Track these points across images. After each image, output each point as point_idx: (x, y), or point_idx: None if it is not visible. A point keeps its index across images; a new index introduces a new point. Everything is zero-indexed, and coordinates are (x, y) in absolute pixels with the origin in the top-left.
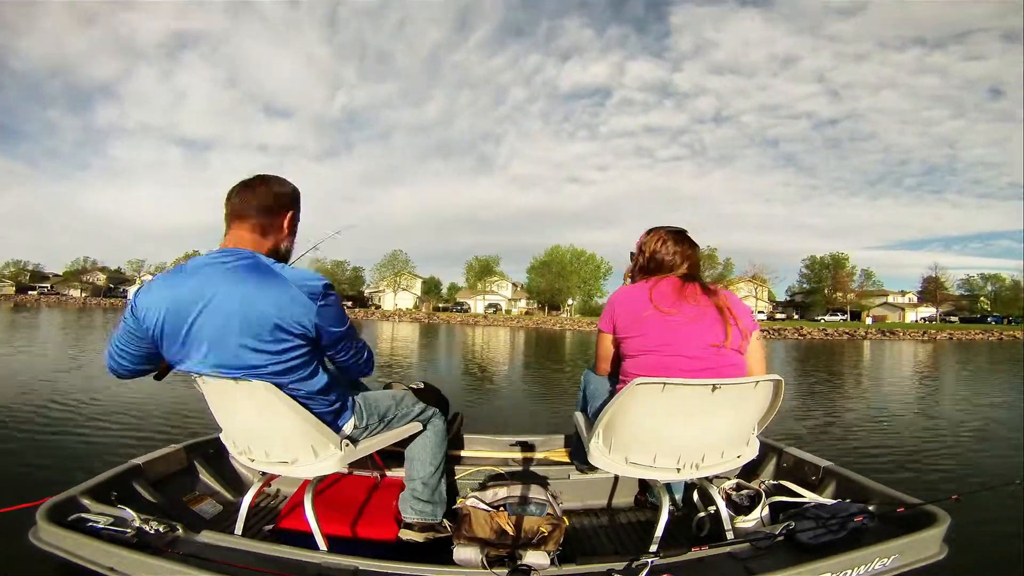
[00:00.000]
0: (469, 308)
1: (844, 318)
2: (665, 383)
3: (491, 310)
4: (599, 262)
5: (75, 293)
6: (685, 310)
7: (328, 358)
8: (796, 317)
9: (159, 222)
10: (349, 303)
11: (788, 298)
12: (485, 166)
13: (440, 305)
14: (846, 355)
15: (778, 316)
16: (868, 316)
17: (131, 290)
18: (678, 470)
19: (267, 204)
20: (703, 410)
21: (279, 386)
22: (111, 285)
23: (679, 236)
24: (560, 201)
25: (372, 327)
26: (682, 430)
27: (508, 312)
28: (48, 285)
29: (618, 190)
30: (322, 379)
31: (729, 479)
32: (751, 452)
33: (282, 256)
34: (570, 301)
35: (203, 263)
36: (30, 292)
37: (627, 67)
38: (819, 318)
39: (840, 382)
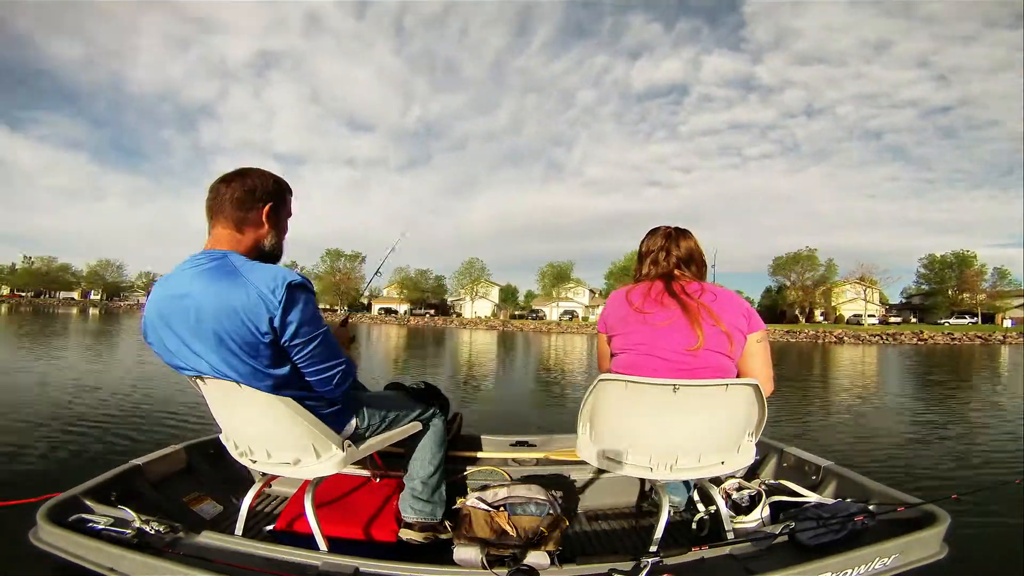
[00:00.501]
0: (544, 315)
1: (974, 321)
2: (628, 381)
3: (566, 317)
4: None
5: None
6: (663, 311)
7: (297, 365)
8: (914, 320)
9: None
10: (432, 311)
11: (904, 300)
12: (556, 172)
13: (516, 312)
14: (978, 362)
15: (892, 320)
16: (1006, 319)
17: None
18: (650, 469)
19: (241, 198)
20: (669, 411)
21: (276, 387)
22: None
23: (670, 235)
24: (641, 205)
25: (451, 334)
26: (649, 429)
27: (586, 319)
28: None
29: (705, 192)
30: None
31: (731, 479)
32: (741, 459)
33: (267, 253)
34: None
35: (181, 267)
36: None
37: (702, 62)
38: (943, 321)
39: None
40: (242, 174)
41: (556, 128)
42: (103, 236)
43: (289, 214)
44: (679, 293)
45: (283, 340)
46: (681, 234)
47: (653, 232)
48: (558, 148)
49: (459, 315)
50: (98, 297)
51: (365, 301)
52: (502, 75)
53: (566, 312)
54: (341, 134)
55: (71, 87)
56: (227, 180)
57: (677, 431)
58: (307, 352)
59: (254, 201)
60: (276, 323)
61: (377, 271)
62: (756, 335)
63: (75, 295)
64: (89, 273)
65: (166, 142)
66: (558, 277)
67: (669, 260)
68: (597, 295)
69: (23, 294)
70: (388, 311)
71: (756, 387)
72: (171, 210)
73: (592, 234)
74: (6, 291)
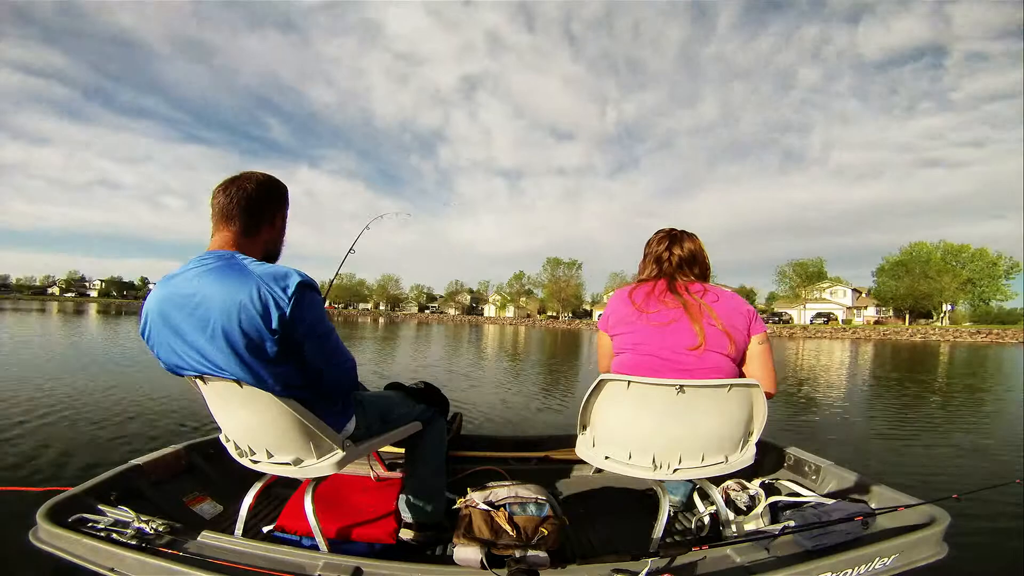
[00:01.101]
0: (790, 319)
1: None
2: (631, 381)
3: (821, 320)
4: (994, 258)
5: (451, 311)
6: (665, 311)
7: (302, 365)
8: None
9: (501, 247)
10: None
11: None
12: (794, 161)
13: None
14: None
15: None
16: None
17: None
18: (653, 469)
19: (254, 204)
20: (674, 411)
21: (278, 387)
22: (472, 304)
23: (674, 236)
24: (914, 190)
25: None
26: (653, 429)
27: (849, 322)
28: (436, 304)
29: (1008, 168)
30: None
31: (731, 479)
32: (742, 459)
33: (270, 255)
34: (947, 307)
35: (185, 268)
36: (425, 311)
37: (950, 13)
38: None
39: None
40: (247, 178)
41: (780, 114)
42: (379, 254)
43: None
44: (681, 292)
45: (292, 338)
46: (686, 236)
47: (657, 234)
48: (789, 135)
49: None
50: (384, 308)
51: (588, 308)
52: (693, 65)
53: (820, 315)
54: (548, 144)
55: (336, 126)
56: (236, 184)
57: (680, 431)
58: (315, 351)
59: (264, 205)
60: (286, 321)
61: (351, 249)
62: (758, 337)
63: (369, 306)
64: (378, 287)
65: (415, 167)
66: (808, 276)
67: (672, 260)
68: (862, 295)
69: (335, 306)
70: None
71: (758, 387)
72: (430, 229)
73: (850, 228)
74: (327, 303)
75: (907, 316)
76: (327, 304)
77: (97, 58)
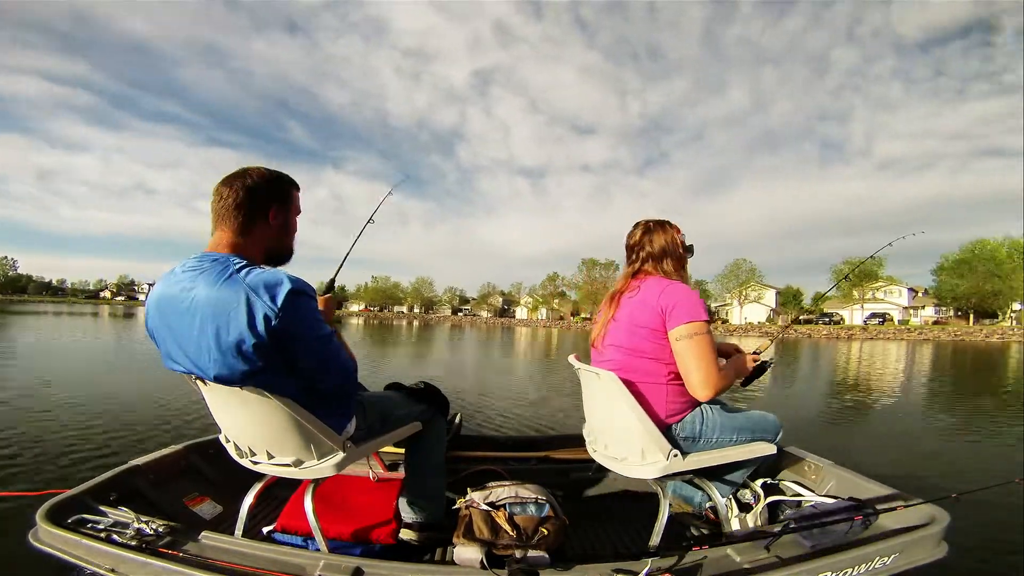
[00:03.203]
0: (842, 319)
1: None
2: (571, 361)
3: (876, 320)
4: None
5: (484, 314)
6: (605, 307)
7: (298, 368)
8: None
9: (531, 248)
10: None
11: None
12: (834, 153)
13: (802, 317)
14: None
15: None
16: None
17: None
18: (595, 451)
19: (243, 200)
20: (586, 392)
21: (278, 388)
22: (504, 306)
23: (648, 229)
24: (971, 183)
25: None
26: (586, 410)
27: (906, 323)
28: (468, 307)
29: None
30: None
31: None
32: (646, 467)
33: (275, 255)
34: (1016, 305)
35: (183, 267)
36: (458, 313)
37: None
38: None
39: None
40: (243, 174)
41: (817, 100)
42: (409, 257)
43: (298, 212)
44: (621, 288)
45: (285, 346)
46: (659, 227)
47: (634, 227)
48: (827, 124)
49: (725, 321)
50: (418, 311)
51: None
52: (718, 49)
53: (874, 315)
54: (570, 140)
55: (355, 126)
56: (228, 182)
57: (590, 413)
58: (311, 358)
59: (257, 202)
60: (276, 329)
61: (354, 241)
62: (676, 332)
63: (404, 309)
64: (412, 290)
65: (438, 167)
66: (862, 275)
67: (639, 256)
68: (921, 295)
69: (371, 309)
70: None
71: (613, 378)
72: (459, 230)
73: (902, 224)
74: (362, 306)
75: (971, 316)
76: (362, 307)
77: (117, 65)
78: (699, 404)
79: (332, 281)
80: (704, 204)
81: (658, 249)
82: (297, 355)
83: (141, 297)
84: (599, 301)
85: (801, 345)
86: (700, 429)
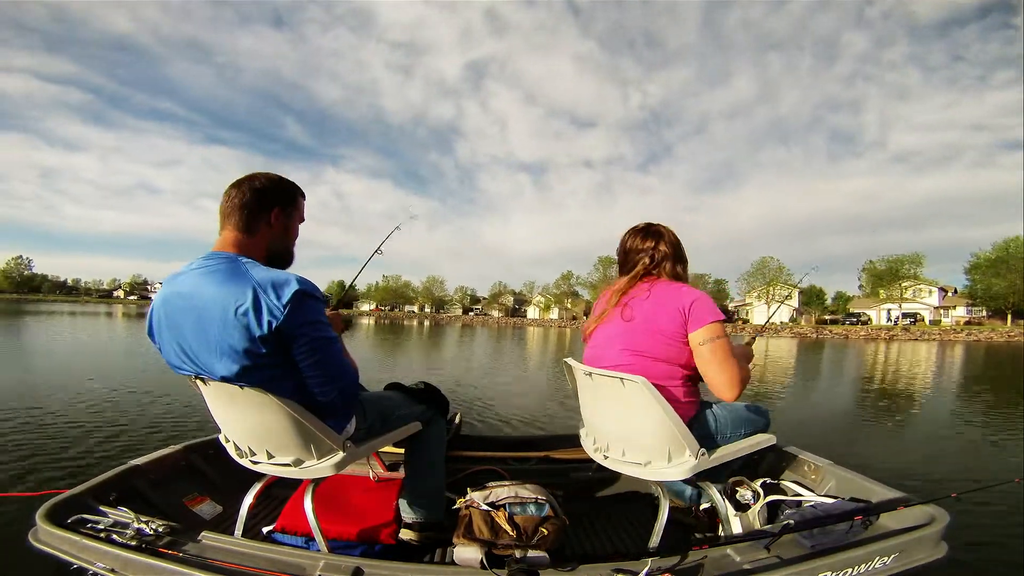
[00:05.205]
0: (869, 320)
1: None
2: (568, 363)
3: (907, 321)
4: None
5: (495, 313)
6: (627, 305)
7: (300, 370)
8: None
9: (536, 246)
10: None
11: None
12: (846, 145)
13: (827, 317)
14: None
15: None
16: None
17: (529, 310)
18: (596, 451)
19: (249, 202)
20: (591, 397)
21: (278, 388)
22: (516, 306)
23: (641, 232)
24: (994, 178)
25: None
26: (591, 414)
27: (937, 323)
28: (479, 307)
29: None
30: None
31: (731, 478)
32: (672, 469)
33: (277, 257)
34: None
35: (189, 267)
36: (469, 313)
37: None
38: None
39: None
40: (252, 177)
41: (826, 88)
42: (415, 256)
43: (301, 219)
44: (626, 290)
45: (287, 346)
46: (662, 230)
47: (631, 231)
48: (838, 114)
49: (747, 322)
50: (429, 310)
51: None
52: (720, 35)
53: (905, 315)
54: (568, 134)
55: (350, 123)
56: (237, 184)
57: (601, 419)
58: (311, 359)
59: (263, 204)
60: (281, 328)
61: (370, 256)
62: (698, 335)
63: (415, 308)
64: (423, 289)
65: (436, 164)
66: (889, 275)
67: (653, 258)
68: (951, 294)
69: (382, 308)
70: None
71: (645, 383)
72: (462, 229)
73: (921, 218)
74: (373, 305)
75: (1009, 316)
76: (373, 307)
77: (104, 63)
78: (705, 402)
79: (340, 302)
80: (712, 200)
81: (667, 252)
82: (303, 356)
83: (153, 296)
84: None
85: (837, 346)
86: (715, 426)
